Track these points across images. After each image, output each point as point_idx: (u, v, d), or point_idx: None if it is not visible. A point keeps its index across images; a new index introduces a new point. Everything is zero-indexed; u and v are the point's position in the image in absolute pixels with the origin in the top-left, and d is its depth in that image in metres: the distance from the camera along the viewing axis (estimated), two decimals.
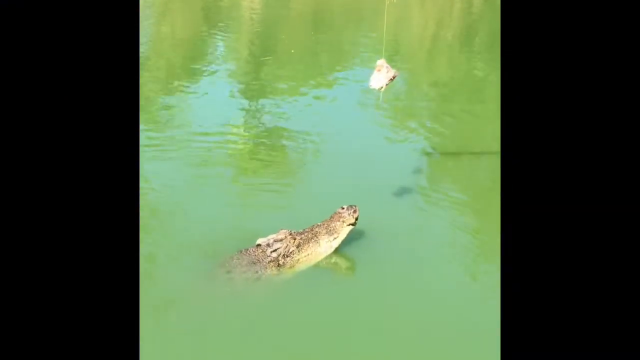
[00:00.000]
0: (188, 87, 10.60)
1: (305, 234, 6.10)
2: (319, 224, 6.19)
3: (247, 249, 5.95)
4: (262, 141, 8.63)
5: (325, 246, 6.12)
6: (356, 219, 6.18)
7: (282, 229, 6.05)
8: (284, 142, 8.63)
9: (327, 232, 6.12)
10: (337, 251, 6.18)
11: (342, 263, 6.17)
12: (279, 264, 5.88)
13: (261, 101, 10.07)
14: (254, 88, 10.73)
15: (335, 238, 6.14)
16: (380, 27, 6.16)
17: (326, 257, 6.12)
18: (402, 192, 7.27)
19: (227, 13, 16.11)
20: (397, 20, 14.23)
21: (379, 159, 8.19)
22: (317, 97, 10.47)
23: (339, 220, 6.15)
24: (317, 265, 6.06)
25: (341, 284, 6.01)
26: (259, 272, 5.82)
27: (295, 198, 7.23)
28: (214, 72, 11.48)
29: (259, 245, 5.96)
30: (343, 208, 6.20)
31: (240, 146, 8.45)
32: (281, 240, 5.97)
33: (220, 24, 14.99)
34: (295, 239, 6.00)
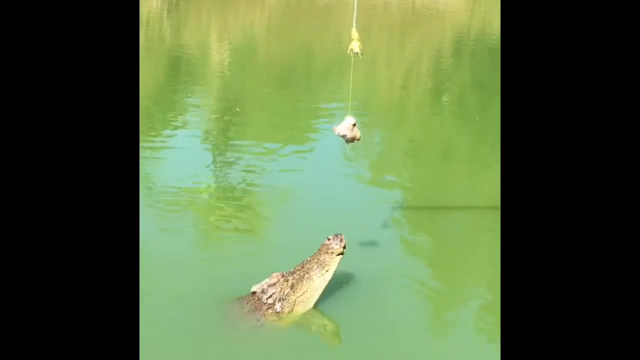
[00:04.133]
0: (155, 141, 10.48)
1: (297, 272, 6.07)
2: (308, 259, 6.16)
3: (244, 297, 5.94)
4: (231, 194, 8.62)
5: (318, 281, 6.09)
6: (344, 248, 6.18)
7: (273, 273, 6.04)
8: (253, 195, 8.64)
9: (318, 267, 6.09)
10: (320, 309, 6.15)
11: (329, 326, 6.18)
12: (277, 309, 5.86)
13: (229, 155, 10.09)
14: (221, 142, 10.73)
15: (327, 271, 6.12)
16: (348, 82, 6.37)
17: (314, 317, 6.07)
18: (374, 243, 7.35)
19: (195, 67, 16.06)
20: (366, 77, 14.51)
21: (349, 211, 8.24)
22: (284, 149, 10.51)
23: (327, 252, 6.14)
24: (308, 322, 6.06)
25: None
26: (260, 319, 5.81)
27: (268, 245, 7.30)
28: (181, 126, 11.41)
29: (254, 292, 5.94)
30: (329, 239, 6.18)
31: (208, 199, 8.46)
32: (274, 284, 5.95)
33: (188, 78, 14.96)
34: (288, 281, 5.98)
